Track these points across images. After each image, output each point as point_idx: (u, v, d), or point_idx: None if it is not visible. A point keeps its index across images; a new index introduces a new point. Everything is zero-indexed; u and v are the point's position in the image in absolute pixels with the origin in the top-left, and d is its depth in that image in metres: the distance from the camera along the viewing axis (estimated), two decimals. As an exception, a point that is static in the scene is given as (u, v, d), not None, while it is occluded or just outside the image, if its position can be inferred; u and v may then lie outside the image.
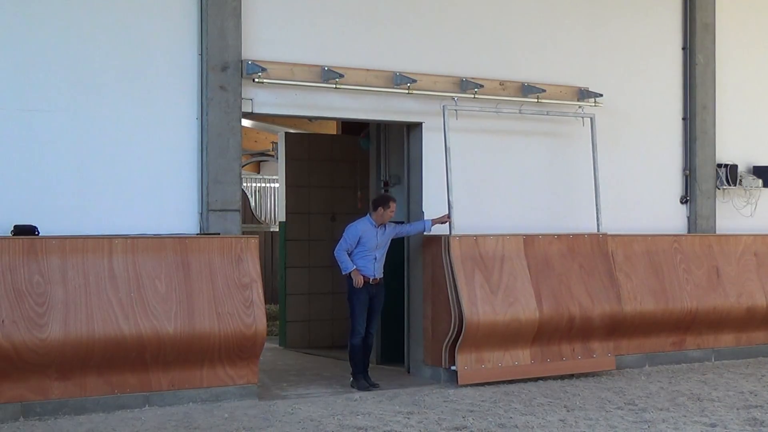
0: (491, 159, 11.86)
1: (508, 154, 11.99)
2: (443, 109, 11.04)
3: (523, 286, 10.92)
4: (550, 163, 12.25)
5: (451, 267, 10.55)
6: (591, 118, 12.03)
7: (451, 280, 10.55)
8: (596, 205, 11.92)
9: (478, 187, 11.71)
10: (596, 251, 11.55)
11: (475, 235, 10.92)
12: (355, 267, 10.44)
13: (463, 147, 11.51)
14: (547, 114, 11.94)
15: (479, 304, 10.54)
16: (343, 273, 10.55)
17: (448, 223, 10.85)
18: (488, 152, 11.85)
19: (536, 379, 10.83)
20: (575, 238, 11.49)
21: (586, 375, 11.19)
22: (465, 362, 10.51)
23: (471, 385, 10.47)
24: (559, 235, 11.42)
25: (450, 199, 10.95)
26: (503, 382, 10.68)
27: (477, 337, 10.51)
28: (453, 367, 10.54)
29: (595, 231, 11.81)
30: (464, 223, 11.14)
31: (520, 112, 11.74)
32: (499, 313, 10.64)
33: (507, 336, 10.71)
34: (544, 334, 10.93)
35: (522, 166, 12.06)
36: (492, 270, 10.81)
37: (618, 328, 11.48)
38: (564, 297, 11.10)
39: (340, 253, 10.49)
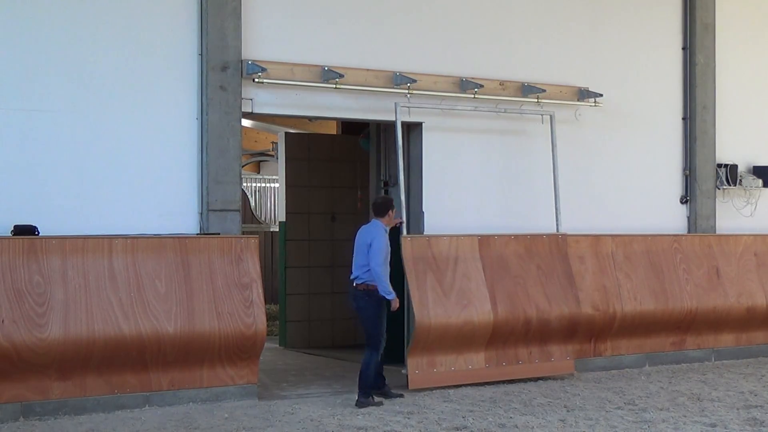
0: (476, 160, 11.82)
1: (487, 153, 11.89)
2: (395, 107, 10.75)
3: (477, 287, 10.63)
4: (516, 163, 12.10)
5: (402, 268, 10.24)
6: (551, 116, 11.74)
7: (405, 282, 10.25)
8: (555, 205, 11.64)
9: (463, 187, 11.71)
10: (555, 252, 11.29)
11: (428, 236, 10.73)
12: (395, 295, 9.63)
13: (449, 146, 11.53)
14: (504, 111, 11.63)
15: (431, 307, 10.24)
16: (388, 297, 9.55)
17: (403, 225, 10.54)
18: (471, 153, 11.80)
19: (492, 383, 10.55)
20: (533, 238, 11.23)
21: (545, 378, 10.91)
22: (416, 366, 10.20)
23: (470, 386, 10.46)
24: (516, 236, 11.15)
25: (402, 199, 10.75)
26: (502, 382, 10.68)
27: (428, 341, 10.23)
28: (404, 371, 10.27)
29: (554, 231, 11.54)
30: (440, 224, 11.19)
31: (475, 110, 11.44)
32: (451, 315, 10.33)
33: (460, 339, 10.41)
34: (499, 337, 10.65)
35: (497, 166, 11.94)
36: (445, 271, 10.51)
37: (577, 330, 11.21)
38: (520, 299, 10.82)
39: (383, 269, 9.54)
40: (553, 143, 11.75)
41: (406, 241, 10.44)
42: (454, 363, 10.46)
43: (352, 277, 9.74)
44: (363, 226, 10.00)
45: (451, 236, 10.76)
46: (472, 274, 10.70)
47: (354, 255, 9.78)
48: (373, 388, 9.59)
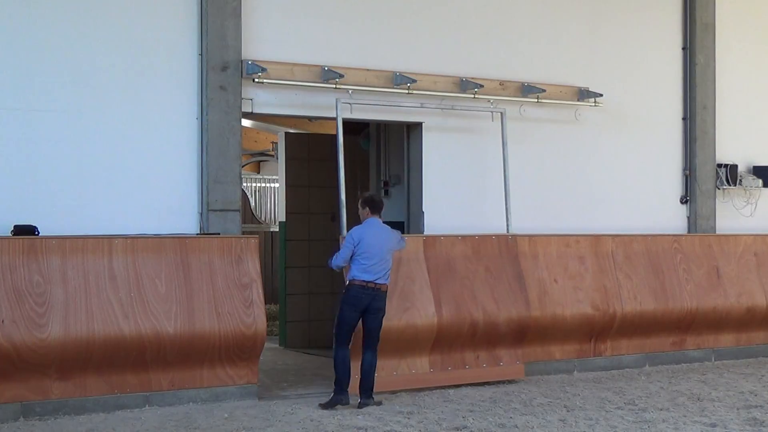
0: (475, 159, 11.82)
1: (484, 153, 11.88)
2: (336, 102, 10.47)
3: (420, 290, 10.25)
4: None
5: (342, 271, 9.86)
6: (501, 113, 11.47)
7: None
8: (506, 205, 11.35)
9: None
10: (504, 254, 10.93)
11: None
12: None
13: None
14: (452, 108, 11.34)
15: None
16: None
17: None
18: (469, 152, 11.80)
19: (439, 388, 10.26)
20: (481, 239, 10.86)
21: (495, 383, 10.60)
22: (354, 371, 9.65)
23: (469, 386, 10.45)
24: (463, 237, 10.79)
25: (342, 198, 10.41)
26: (502, 382, 10.68)
27: None
28: None
29: (505, 232, 11.26)
30: (439, 225, 11.16)
31: (421, 106, 11.21)
32: (393, 318, 9.87)
33: (402, 343, 10.04)
34: (444, 340, 10.30)
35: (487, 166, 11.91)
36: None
37: (527, 334, 10.87)
38: (466, 302, 10.46)
39: None
40: (503, 141, 11.38)
41: None
42: (396, 368, 10.12)
43: (371, 279, 9.39)
44: (372, 229, 9.53)
45: None
46: (416, 276, 10.31)
47: (371, 258, 9.38)
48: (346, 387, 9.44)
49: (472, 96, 11.56)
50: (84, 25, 9.75)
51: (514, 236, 11.12)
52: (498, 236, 11.04)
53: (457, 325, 10.38)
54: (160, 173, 10.06)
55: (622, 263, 11.85)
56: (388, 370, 10.00)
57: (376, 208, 9.70)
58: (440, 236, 10.69)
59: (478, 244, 10.82)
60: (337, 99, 10.54)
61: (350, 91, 10.80)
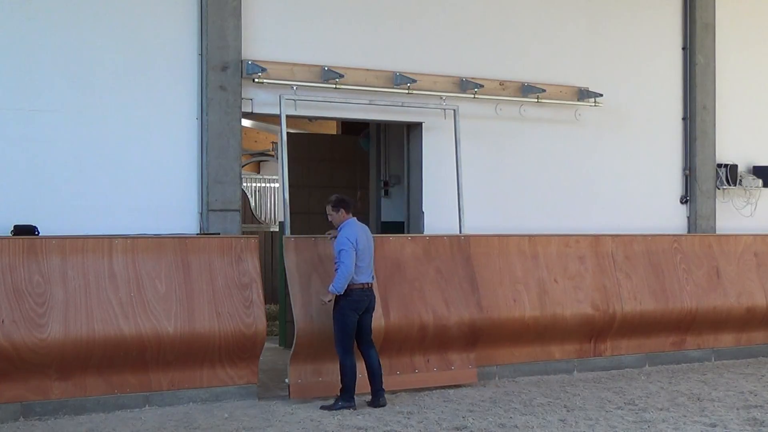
0: (473, 159, 11.80)
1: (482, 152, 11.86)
2: (279, 98, 10.34)
3: None
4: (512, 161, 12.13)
5: (285, 271, 9.66)
6: (454, 110, 11.31)
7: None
8: (458, 204, 11.12)
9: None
10: (456, 255, 10.61)
11: (314, 236, 9.99)
12: None
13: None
14: (401, 105, 11.15)
15: (315, 312, 9.58)
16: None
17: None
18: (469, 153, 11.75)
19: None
20: (432, 240, 10.56)
21: (446, 387, 10.28)
22: (298, 375, 9.57)
23: (467, 386, 10.45)
24: (413, 237, 10.59)
25: (285, 197, 10.31)
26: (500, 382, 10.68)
27: (312, 348, 9.59)
28: (286, 380, 9.67)
29: (457, 233, 11.00)
30: (438, 225, 11.06)
31: (369, 103, 11.02)
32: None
33: None
34: (392, 344, 9.98)
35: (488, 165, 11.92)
36: (333, 274, 9.47)
37: (479, 337, 10.54)
38: (416, 304, 10.16)
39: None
40: (456, 139, 11.23)
41: (289, 242, 9.80)
42: None
43: (368, 280, 9.36)
44: (360, 229, 9.45)
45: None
46: None
47: (365, 258, 9.34)
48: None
49: (473, 96, 11.56)
50: (84, 26, 9.75)
51: (467, 237, 10.81)
52: (450, 237, 10.72)
53: (405, 328, 10.08)
54: (160, 173, 10.06)
55: (622, 263, 11.84)
56: (333, 374, 9.59)
57: (350, 207, 9.51)
58: (389, 236, 10.45)
59: (428, 244, 10.51)
60: (280, 96, 10.34)
61: (294, 88, 10.53)
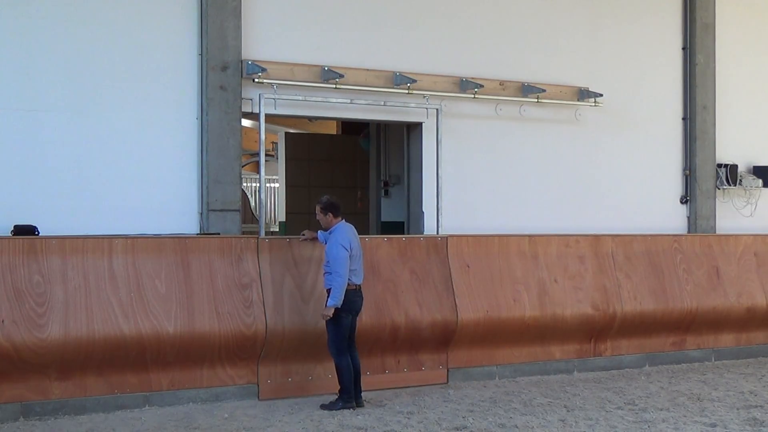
0: (472, 159, 11.83)
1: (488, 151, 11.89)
2: (259, 98, 10.17)
3: None
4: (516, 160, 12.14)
5: (259, 272, 9.63)
6: (437, 109, 11.18)
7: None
8: (437, 205, 11.11)
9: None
10: (432, 256, 10.53)
11: (288, 237, 10.06)
12: None
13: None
14: (383, 104, 11.09)
15: (286, 313, 9.57)
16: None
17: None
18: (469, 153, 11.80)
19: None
20: (409, 241, 10.51)
21: (415, 386, 10.27)
22: (268, 375, 9.58)
23: (466, 386, 10.45)
24: (389, 238, 10.48)
25: (261, 197, 10.25)
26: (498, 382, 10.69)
27: (281, 349, 9.59)
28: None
29: (435, 234, 10.96)
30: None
31: (351, 102, 10.93)
32: (308, 323, 9.62)
33: (319, 347, 9.59)
34: (363, 345, 9.85)
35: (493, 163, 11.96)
36: (306, 275, 9.70)
37: (452, 339, 10.49)
38: (389, 305, 10.13)
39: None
40: (438, 139, 11.19)
41: (263, 243, 9.73)
42: (311, 372, 9.79)
43: (360, 282, 9.35)
44: (351, 231, 9.40)
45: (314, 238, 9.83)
46: None
47: (358, 260, 9.33)
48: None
49: (473, 96, 11.56)
50: (84, 26, 9.75)
51: (444, 237, 10.72)
52: (426, 238, 10.69)
53: (377, 329, 10.04)
54: (160, 173, 10.06)
55: (622, 263, 11.84)
56: (303, 374, 9.69)
57: (340, 212, 9.42)
58: (365, 237, 10.19)
59: (404, 246, 10.45)
60: (260, 94, 10.23)
61: (275, 86, 10.46)
